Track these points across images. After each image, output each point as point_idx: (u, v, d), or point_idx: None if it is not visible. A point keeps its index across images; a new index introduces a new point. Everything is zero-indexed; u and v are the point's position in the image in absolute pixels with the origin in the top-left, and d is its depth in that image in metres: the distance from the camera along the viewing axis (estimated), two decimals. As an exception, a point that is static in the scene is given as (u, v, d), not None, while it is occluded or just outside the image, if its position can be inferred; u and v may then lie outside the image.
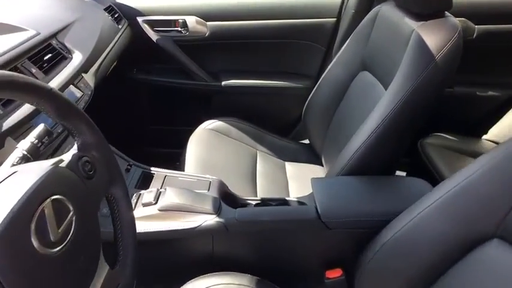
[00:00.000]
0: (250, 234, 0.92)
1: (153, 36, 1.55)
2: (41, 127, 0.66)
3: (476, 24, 1.53)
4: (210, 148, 1.39)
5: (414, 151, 1.55)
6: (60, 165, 0.55)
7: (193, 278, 0.88)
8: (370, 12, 1.27)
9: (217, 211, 0.91)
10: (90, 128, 0.62)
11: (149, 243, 0.86)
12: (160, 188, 0.97)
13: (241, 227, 0.90)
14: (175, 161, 1.42)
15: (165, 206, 0.89)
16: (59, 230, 0.49)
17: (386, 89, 1.08)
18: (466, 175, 0.72)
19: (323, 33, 1.56)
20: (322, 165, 1.40)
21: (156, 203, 0.90)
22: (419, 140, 1.58)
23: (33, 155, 0.62)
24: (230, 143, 1.45)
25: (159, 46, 1.55)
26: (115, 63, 1.33)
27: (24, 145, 0.62)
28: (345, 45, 1.35)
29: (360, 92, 1.27)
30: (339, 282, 0.92)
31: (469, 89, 1.63)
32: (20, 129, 0.75)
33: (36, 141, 0.64)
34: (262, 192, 1.26)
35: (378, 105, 1.01)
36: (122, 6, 1.51)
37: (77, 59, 1.01)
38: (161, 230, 0.87)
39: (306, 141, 1.62)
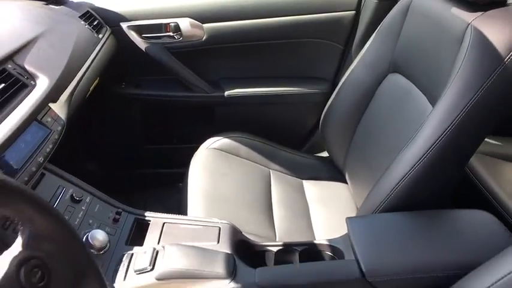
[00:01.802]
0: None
1: (141, 44, 1.33)
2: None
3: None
4: (216, 173, 1.19)
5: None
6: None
7: None
8: (398, 3, 1.07)
9: (232, 274, 0.71)
10: (42, 209, 0.41)
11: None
12: (158, 244, 0.77)
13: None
14: (178, 182, 1.25)
15: (164, 273, 0.69)
16: None
17: (427, 98, 0.89)
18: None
19: (340, 29, 1.36)
20: (346, 183, 1.20)
21: (152, 268, 0.70)
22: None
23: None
24: (239, 163, 1.25)
25: (148, 55, 1.34)
26: (96, 81, 1.12)
27: None
28: (368, 43, 1.16)
29: (391, 99, 1.08)
30: None
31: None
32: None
33: None
34: (281, 227, 1.06)
35: (425, 126, 0.80)
36: (102, 12, 1.29)
37: (42, 85, 0.80)
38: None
39: (325, 154, 1.42)
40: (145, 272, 0.70)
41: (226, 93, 1.42)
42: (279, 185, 1.22)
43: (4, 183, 0.38)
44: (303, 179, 1.27)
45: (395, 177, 0.81)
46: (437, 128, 0.77)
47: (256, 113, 1.47)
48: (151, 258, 0.71)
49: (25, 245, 0.40)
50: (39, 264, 0.39)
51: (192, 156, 1.24)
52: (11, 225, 0.40)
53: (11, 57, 0.79)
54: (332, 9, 1.33)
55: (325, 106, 1.26)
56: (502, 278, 0.56)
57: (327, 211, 1.14)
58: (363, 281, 0.70)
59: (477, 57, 0.75)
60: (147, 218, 0.86)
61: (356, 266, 0.71)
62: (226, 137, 1.29)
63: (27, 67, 0.80)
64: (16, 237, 0.40)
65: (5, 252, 0.38)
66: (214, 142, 1.28)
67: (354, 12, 1.33)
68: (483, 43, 0.75)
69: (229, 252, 0.76)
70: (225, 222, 0.85)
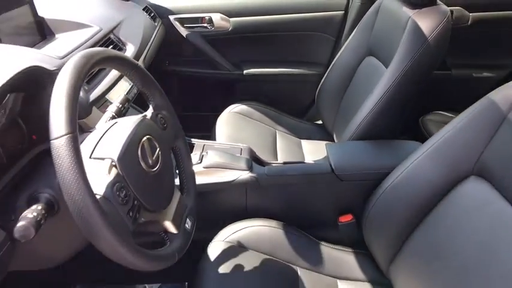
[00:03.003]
0: (277, 187, 1.13)
1: (183, 32, 1.77)
2: (122, 95, 0.88)
3: (470, 12, 1.71)
4: (236, 128, 1.60)
5: (416, 127, 1.75)
6: (146, 118, 0.77)
7: (232, 223, 1.09)
8: (374, 4, 1.46)
9: (250, 168, 1.12)
10: (161, 95, 0.83)
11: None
12: (202, 152, 1.19)
13: (270, 181, 1.11)
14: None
15: (209, 164, 1.10)
16: (153, 158, 0.71)
17: (385, 67, 1.27)
18: (449, 128, 0.90)
19: (332, 25, 1.77)
20: (334, 142, 1.59)
21: (201, 162, 1.12)
22: (421, 117, 1.77)
23: (118, 115, 0.84)
24: (253, 124, 1.66)
25: (188, 40, 1.78)
26: (154, 56, 1.55)
27: (112, 108, 0.84)
28: (352, 33, 1.54)
29: (366, 75, 1.46)
30: (350, 225, 1.13)
31: (466, 71, 1.82)
32: (100, 101, 0.97)
33: (120, 105, 0.86)
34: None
35: (380, 81, 1.20)
36: (156, 7, 1.73)
37: (130, 50, 1.23)
38: (205, 183, 1.08)
39: (319, 122, 1.82)
40: (197, 164, 1.12)
41: (245, 71, 1.85)
42: (283, 140, 1.62)
43: (149, 79, 0.80)
44: (301, 139, 1.67)
45: (361, 115, 1.21)
46: (387, 82, 1.17)
47: (267, 88, 1.89)
48: (200, 156, 1.13)
49: (154, 108, 0.82)
50: (162, 117, 0.81)
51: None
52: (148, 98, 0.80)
53: (111, 30, 1.23)
54: (327, 9, 1.75)
55: (319, 84, 1.66)
56: (405, 169, 0.95)
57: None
58: (332, 174, 1.11)
59: (411, 38, 1.15)
60: (192, 142, 1.27)
61: (329, 165, 1.12)
62: (243, 104, 1.70)
63: (121, 38, 1.24)
64: (150, 103, 0.82)
65: (149, 109, 0.80)
66: (235, 108, 1.69)
67: (343, 11, 1.75)
68: (416, 29, 1.15)
69: (248, 157, 1.17)
70: (245, 145, 1.26)
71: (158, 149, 0.73)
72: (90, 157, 0.63)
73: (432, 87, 1.47)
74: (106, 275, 1.25)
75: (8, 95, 0.74)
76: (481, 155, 0.82)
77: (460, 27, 1.72)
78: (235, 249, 1.02)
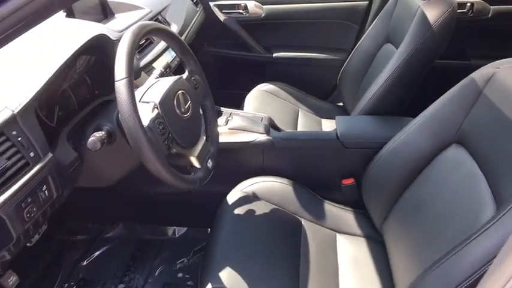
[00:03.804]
0: (290, 149, 1.32)
1: (221, 17, 1.99)
2: (164, 62, 1.11)
3: (491, 5, 1.80)
4: (262, 104, 1.79)
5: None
6: (182, 78, 0.98)
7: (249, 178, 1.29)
8: (393, -5, 1.60)
9: (267, 132, 1.32)
10: (195, 63, 1.05)
11: (220, 151, 1.28)
12: (228, 118, 1.40)
13: (283, 144, 1.30)
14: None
15: (232, 126, 1.31)
16: (185, 107, 0.92)
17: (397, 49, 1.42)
18: (436, 103, 1.05)
19: (357, 13, 1.92)
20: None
21: (226, 124, 1.33)
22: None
23: (161, 76, 1.07)
24: (278, 101, 1.85)
25: (225, 25, 1.99)
26: (194, 37, 1.77)
27: (157, 72, 1.07)
28: (373, 23, 1.69)
29: (383, 61, 1.58)
30: (351, 187, 1.30)
31: (484, 62, 1.88)
32: (148, 68, 1.20)
33: (163, 70, 1.08)
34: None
35: (390, 61, 1.36)
36: (198, -7, 1.97)
37: (173, 29, 1.46)
38: (229, 141, 1.29)
39: (340, 104, 1.98)
40: (223, 125, 1.33)
41: (274, 55, 2.04)
42: (304, 118, 1.80)
43: (187, 48, 1.02)
44: (321, 118, 1.84)
45: (370, 93, 1.38)
46: (395, 63, 1.32)
47: (294, 70, 2.07)
48: (226, 120, 1.34)
49: (189, 72, 1.03)
50: (195, 80, 1.03)
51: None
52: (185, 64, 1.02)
53: (159, 12, 1.46)
54: (353, -1, 1.91)
55: (341, 69, 1.82)
56: (400, 137, 1.11)
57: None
58: (337, 141, 1.28)
59: (418, 25, 1.29)
60: (221, 110, 1.48)
61: (334, 133, 1.30)
62: (271, 84, 1.90)
63: (166, 18, 1.47)
64: (186, 68, 1.03)
65: (185, 73, 1.02)
66: (263, 86, 1.89)
67: (368, 1, 1.89)
68: (423, 17, 1.29)
69: (267, 124, 1.37)
70: (266, 114, 1.45)
71: (190, 102, 0.95)
72: (139, 101, 0.86)
73: (452, 77, 1.58)
74: (143, 216, 1.50)
75: (81, 56, 0.98)
76: (461, 125, 0.95)
77: (481, 19, 1.81)
78: (250, 198, 1.23)
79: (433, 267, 0.79)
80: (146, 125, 0.80)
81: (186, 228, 1.52)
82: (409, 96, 1.39)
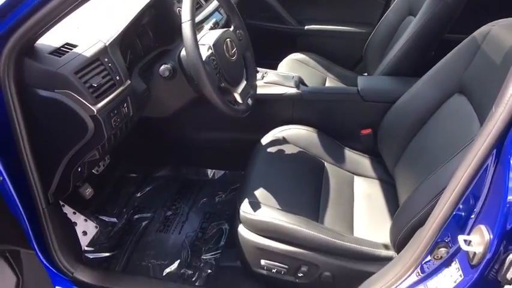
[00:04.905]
0: (316, 102, 1.52)
1: (258, -10, 2.20)
2: (213, 20, 1.33)
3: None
4: (293, 71, 1.97)
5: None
6: (229, 30, 1.20)
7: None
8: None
9: (297, 87, 1.52)
10: (240, 20, 1.26)
11: (257, 101, 1.49)
12: (264, 74, 1.60)
13: (311, 96, 1.50)
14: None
15: (267, 80, 1.53)
16: (232, 52, 1.14)
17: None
18: (443, 59, 1.21)
19: (384, -11, 2.07)
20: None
21: (262, 79, 1.54)
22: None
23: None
24: (307, 69, 2.04)
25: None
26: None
27: (207, 27, 1.29)
28: (397, -2, 1.85)
29: (405, 32, 1.76)
30: (369, 137, 1.48)
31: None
32: (198, 25, 1.43)
33: (213, 25, 1.30)
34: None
35: (409, 28, 1.53)
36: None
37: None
38: (264, 93, 1.50)
39: (365, 75, 2.14)
40: (259, 80, 1.54)
41: (306, 27, 2.23)
42: (330, 84, 1.99)
43: (233, 7, 1.24)
44: (347, 85, 2.02)
45: (390, 56, 1.56)
46: (410, 30, 1.50)
47: (324, 42, 2.25)
48: (262, 75, 1.55)
49: (234, 27, 1.25)
50: (239, 33, 1.24)
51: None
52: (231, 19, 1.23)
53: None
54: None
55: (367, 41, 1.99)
56: (412, 90, 1.29)
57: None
58: (358, 95, 1.47)
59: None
60: (258, 69, 1.69)
61: (356, 89, 1.48)
62: (302, 53, 2.09)
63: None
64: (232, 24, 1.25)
65: (232, 27, 1.24)
66: (294, 56, 2.09)
67: (394, -21, 2.04)
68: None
69: (297, 80, 1.57)
70: (297, 74, 1.65)
71: (235, 49, 1.17)
72: (197, 43, 1.09)
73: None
74: (188, 159, 1.75)
75: (148, 10, 1.21)
76: (462, 76, 1.11)
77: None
78: (280, 142, 1.44)
79: (426, 179, 0.98)
80: (203, 60, 1.03)
81: (224, 171, 1.75)
82: (423, 60, 1.56)
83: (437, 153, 1.07)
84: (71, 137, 0.94)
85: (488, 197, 0.73)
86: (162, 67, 1.04)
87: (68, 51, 0.93)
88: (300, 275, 1.09)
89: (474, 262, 0.72)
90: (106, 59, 0.98)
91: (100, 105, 0.93)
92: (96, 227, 1.44)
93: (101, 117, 0.93)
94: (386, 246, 1.10)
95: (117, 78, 1.00)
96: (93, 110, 0.91)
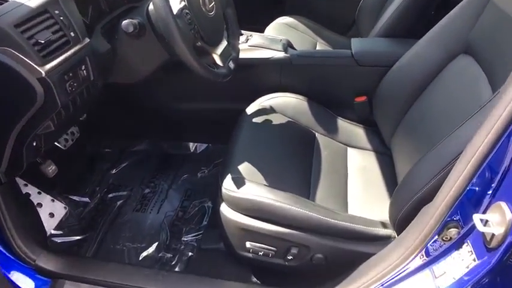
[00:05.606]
0: (306, 67, 1.37)
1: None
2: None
3: None
4: (281, 35, 1.83)
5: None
6: None
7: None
8: None
9: (285, 50, 1.37)
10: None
11: (240, 66, 1.35)
12: (248, 37, 1.45)
13: (300, 61, 1.36)
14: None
15: (253, 43, 1.37)
16: (210, 6, 0.99)
17: None
18: (446, 17, 1.08)
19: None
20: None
21: (246, 42, 1.39)
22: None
23: None
24: (296, 33, 1.88)
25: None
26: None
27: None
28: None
29: None
30: (363, 104, 1.36)
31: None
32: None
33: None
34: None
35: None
36: None
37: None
38: (249, 57, 1.35)
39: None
40: (243, 43, 1.38)
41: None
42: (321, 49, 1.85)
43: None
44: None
45: (386, 15, 1.41)
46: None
47: (314, 4, 2.10)
48: (246, 38, 1.40)
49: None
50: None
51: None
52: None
53: None
54: None
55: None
56: (410, 52, 1.15)
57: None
58: (352, 58, 1.33)
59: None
60: (242, 32, 1.53)
61: (349, 52, 1.34)
62: (291, 17, 1.93)
63: None
64: None
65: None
66: (283, 19, 1.93)
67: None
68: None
69: (285, 43, 1.41)
70: (284, 37, 1.50)
71: (213, 3, 1.01)
72: (167, -6, 0.93)
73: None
74: (167, 133, 1.61)
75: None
76: (468, 34, 0.99)
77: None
78: (267, 111, 1.30)
79: (430, 151, 0.86)
80: (174, 13, 0.87)
81: (206, 144, 1.62)
82: (422, 20, 1.42)
83: (441, 121, 0.97)
84: (18, 105, 0.79)
85: (510, 169, 0.62)
86: (125, 21, 0.88)
87: (6, 1, 0.77)
88: (290, 257, 0.98)
89: (492, 245, 0.62)
90: (57, 11, 0.82)
91: (49, 66, 0.77)
92: (65, 207, 1.31)
93: (51, 81, 0.77)
94: (384, 224, 0.99)
95: (72, 34, 0.84)
96: (40, 72, 0.76)
